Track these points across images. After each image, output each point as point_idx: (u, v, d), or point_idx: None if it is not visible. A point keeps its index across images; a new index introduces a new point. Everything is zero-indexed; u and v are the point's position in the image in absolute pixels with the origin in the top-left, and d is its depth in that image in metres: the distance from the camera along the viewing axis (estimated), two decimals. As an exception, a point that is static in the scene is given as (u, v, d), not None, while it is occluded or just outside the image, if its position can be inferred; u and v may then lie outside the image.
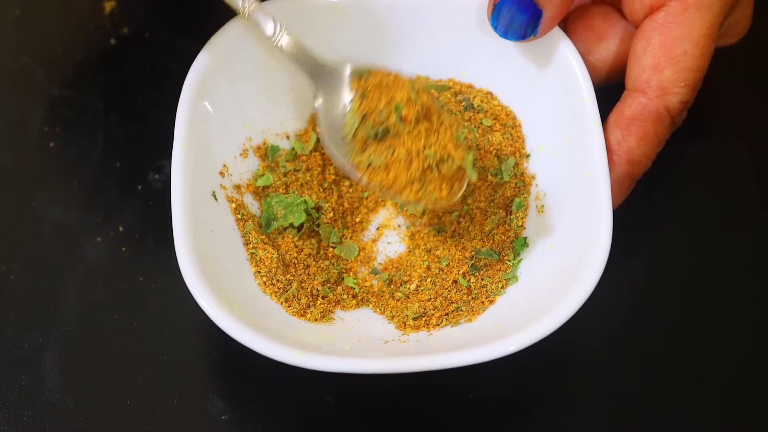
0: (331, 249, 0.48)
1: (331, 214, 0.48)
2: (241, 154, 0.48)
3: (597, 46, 0.47)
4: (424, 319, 0.45)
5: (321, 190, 0.48)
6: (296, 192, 0.48)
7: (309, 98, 0.48)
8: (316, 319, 0.44)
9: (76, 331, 0.47)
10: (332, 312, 0.45)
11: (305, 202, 0.47)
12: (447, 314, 0.44)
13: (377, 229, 0.49)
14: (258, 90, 0.48)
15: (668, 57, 0.44)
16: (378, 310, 0.46)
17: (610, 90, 0.47)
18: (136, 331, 0.47)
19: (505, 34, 0.45)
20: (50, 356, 0.47)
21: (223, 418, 0.46)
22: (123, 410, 0.46)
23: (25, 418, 0.45)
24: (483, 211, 0.47)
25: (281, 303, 0.44)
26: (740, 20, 0.48)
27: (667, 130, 0.45)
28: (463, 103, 0.49)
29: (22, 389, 0.46)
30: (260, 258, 0.45)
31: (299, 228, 0.47)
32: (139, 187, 0.51)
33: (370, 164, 0.43)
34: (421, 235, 0.48)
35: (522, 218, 0.46)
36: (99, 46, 0.56)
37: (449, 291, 0.45)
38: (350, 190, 0.49)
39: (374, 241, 0.49)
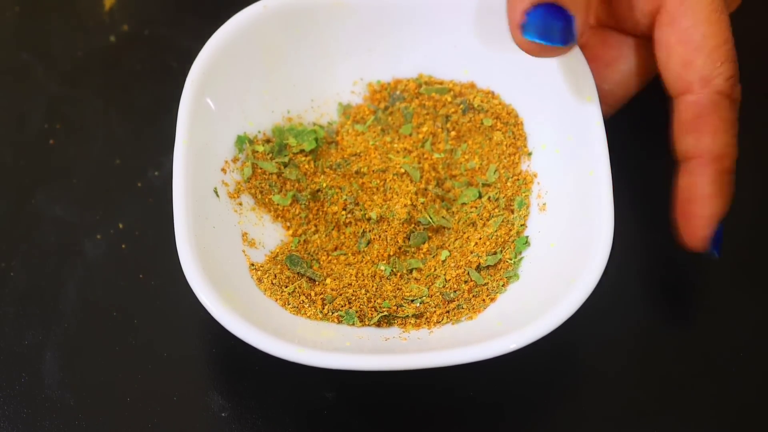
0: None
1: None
2: (243, 151, 0.48)
3: (607, 72, 0.47)
4: (424, 317, 0.45)
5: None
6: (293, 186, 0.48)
7: (311, 94, 0.48)
8: (316, 317, 0.44)
9: (75, 329, 0.47)
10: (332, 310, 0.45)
11: (315, 131, 0.48)
12: (448, 312, 0.44)
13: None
14: (260, 86, 0.48)
15: (692, 48, 0.43)
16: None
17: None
18: (135, 328, 0.47)
19: (548, 40, 0.42)
20: (50, 353, 0.47)
21: (223, 415, 0.46)
22: (123, 407, 0.45)
23: (24, 415, 0.45)
24: (483, 216, 0.47)
25: (281, 300, 0.44)
26: None
27: (731, 112, 0.44)
28: (461, 106, 0.49)
29: (21, 386, 0.46)
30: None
31: (309, 153, 0.48)
32: (139, 185, 0.51)
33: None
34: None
35: (524, 216, 0.46)
36: (98, 43, 0.56)
37: (450, 289, 0.45)
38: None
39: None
